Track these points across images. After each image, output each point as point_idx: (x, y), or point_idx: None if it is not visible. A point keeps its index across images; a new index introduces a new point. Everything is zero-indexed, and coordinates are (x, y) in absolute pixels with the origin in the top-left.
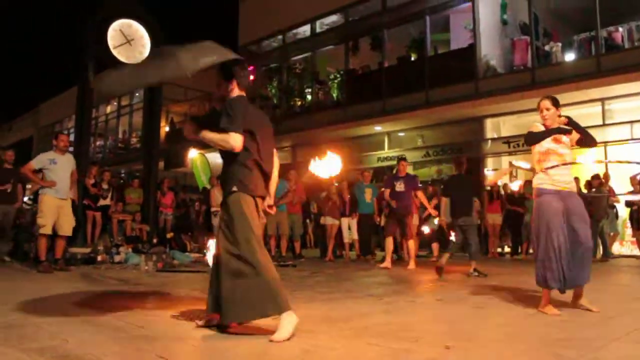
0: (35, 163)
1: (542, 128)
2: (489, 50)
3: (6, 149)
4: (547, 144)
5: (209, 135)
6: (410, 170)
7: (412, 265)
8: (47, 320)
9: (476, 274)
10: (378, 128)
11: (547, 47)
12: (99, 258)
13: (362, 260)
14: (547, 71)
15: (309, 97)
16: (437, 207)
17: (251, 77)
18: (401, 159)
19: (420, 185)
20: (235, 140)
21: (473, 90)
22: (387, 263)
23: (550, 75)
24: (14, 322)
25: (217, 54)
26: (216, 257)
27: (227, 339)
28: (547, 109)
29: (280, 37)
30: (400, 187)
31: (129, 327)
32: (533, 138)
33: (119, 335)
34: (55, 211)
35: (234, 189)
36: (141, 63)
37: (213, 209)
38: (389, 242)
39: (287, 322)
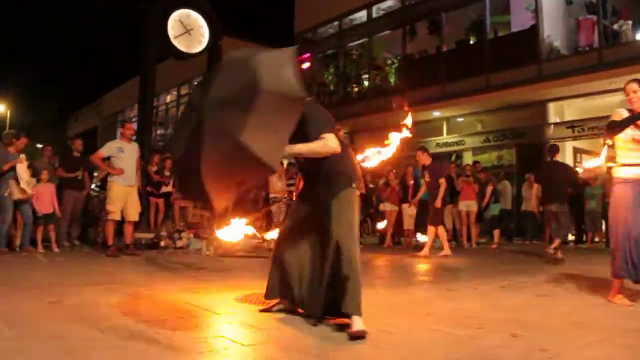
0: (104, 151)
1: (625, 114)
2: (553, 31)
3: (74, 138)
4: (631, 130)
5: (304, 148)
6: (469, 156)
7: (446, 251)
8: (118, 301)
9: (552, 252)
10: (436, 113)
11: (615, 26)
12: (162, 243)
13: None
14: (615, 51)
15: (366, 83)
16: (493, 193)
17: (308, 65)
18: (418, 148)
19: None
20: (334, 142)
21: (535, 73)
22: (447, 250)
23: (619, 56)
24: (88, 302)
25: (288, 62)
26: (313, 246)
27: (288, 323)
28: (635, 92)
29: (336, 23)
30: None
31: (195, 309)
32: (617, 127)
33: (186, 316)
34: (124, 198)
35: (354, 185)
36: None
37: (271, 196)
38: (441, 231)
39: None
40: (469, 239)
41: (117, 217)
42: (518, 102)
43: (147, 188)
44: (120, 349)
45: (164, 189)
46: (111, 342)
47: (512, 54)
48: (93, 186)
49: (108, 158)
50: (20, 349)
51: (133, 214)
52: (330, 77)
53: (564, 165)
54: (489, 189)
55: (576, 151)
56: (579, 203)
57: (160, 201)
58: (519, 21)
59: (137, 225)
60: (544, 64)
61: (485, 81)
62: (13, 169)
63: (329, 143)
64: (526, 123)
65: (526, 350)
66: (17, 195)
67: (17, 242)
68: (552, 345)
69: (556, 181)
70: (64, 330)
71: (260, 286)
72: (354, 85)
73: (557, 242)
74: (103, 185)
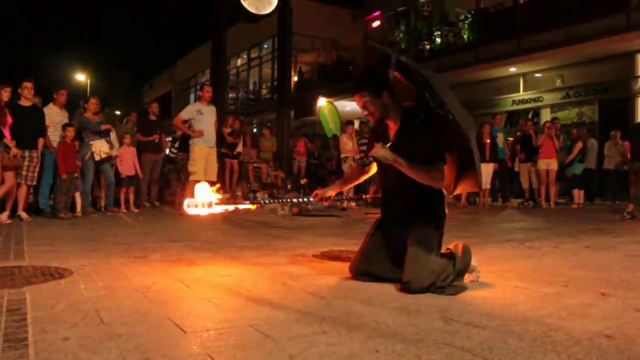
0: (185, 114)
1: None
2: None
3: (150, 103)
4: None
5: (410, 167)
6: (547, 113)
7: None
8: (199, 257)
9: (629, 216)
10: (513, 69)
11: None
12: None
13: (496, 207)
14: None
15: (438, 40)
16: (580, 152)
17: (378, 23)
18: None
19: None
20: (443, 177)
21: (623, 23)
22: None
23: None
24: (171, 258)
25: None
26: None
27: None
28: None
29: None
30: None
31: (273, 265)
32: None
33: (265, 271)
34: (205, 158)
35: (435, 222)
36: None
37: (343, 155)
38: None
39: None
40: (547, 198)
41: (201, 178)
42: (602, 54)
43: (222, 149)
44: (207, 300)
45: (238, 150)
46: (197, 293)
47: (597, 3)
48: (171, 149)
49: (188, 121)
50: (112, 297)
51: (212, 174)
52: (401, 36)
53: None
54: (578, 145)
55: None
56: None
57: (235, 162)
58: None
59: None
60: (634, 12)
61: (565, 33)
62: (95, 130)
63: (439, 177)
64: (611, 77)
65: (619, 309)
66: (98, 155)
67: (102, 202)
68: None
69: None
70: (151, 283)
71: (333, 243)
72: (426, 43)
73: (630, 207)
74: (181, 147)
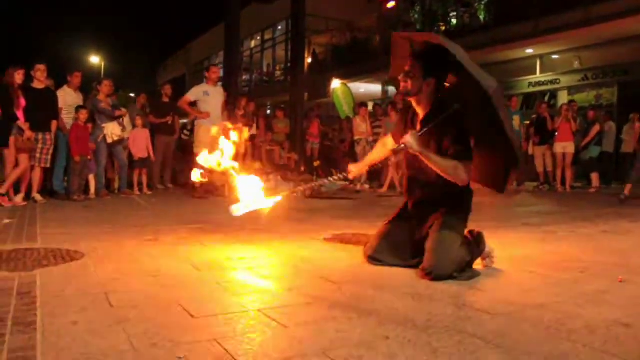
0: (191, 95)
1: None
2: None
3: (163, 85)
4: None
5: (436, 160)
6: (564, 95)
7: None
8: (209, 239)
9: (623, 197)
10: (529, 51)
11: None
12: None
13: (511, 190)
14: None
15: (453, 21)
16: (598, 134)
17: (393, 3)
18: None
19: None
20: (469, 174)
21: None
22: None
23: None
24: (182, 241)
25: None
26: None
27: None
28: None
29: None
30: None
31: (285, 249)
32: None
33: (276, 255)
34: (211, 141)
35: (460, 213)
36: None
37: (356, 137)
38: None
39: None
40: (563, 182)
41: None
42: (621, 35)
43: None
44: (217, 284)
45: (251, 132)
46: (207, 277)
47: None
48: (185, 131)
49: (195, 103)
50: (122, 281)
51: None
52: (416, 16)
53: None
54: (595, 128)
55: None
56: None
57: (248, 144)
58: None
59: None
60: None
61: (584, 14)
62: (108, 116)
63: (462, 174)
64: (631, 58)
65: (637, 296)
66: (111, 138)
67: (115, 185)
68: None
69: None
70: (162, 266)
71: (346, 226)
72: (441, 24)
73: (628, 188)
74: (192, 130)
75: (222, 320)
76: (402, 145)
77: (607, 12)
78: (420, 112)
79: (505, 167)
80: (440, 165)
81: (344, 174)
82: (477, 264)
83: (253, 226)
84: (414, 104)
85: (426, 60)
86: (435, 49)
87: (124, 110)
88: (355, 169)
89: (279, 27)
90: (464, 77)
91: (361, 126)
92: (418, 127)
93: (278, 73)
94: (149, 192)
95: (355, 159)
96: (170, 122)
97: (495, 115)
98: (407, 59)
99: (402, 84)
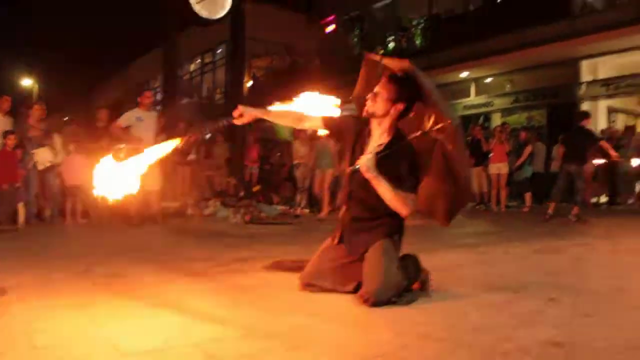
0: (123, 121)
1: None
2: None
3: (100, 109)
4: None
5: (386, 188)
6: (498, 118)
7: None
8: (145, 270)
9: (575, 219)
10: (464, 74)
11: None
12: (189, 211)
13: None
14: None
15: (391, 45)
16: (530, 155)
17: (332, 27)
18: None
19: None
20: (414, 207)
21: (568, 30)
22: None
23: None
24: (116, 272)
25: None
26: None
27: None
28: None
29: None
30: None
31: (223, 277)
32: None
33: (213, 284)
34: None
35: (396, 237)
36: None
37: (295, 162)
38: None
39: None
40: (497, 202)
41: (138, 187)
42: (549, 60)
43: (174, 157)
44: (149, 317)
45: (190, 157)
46: (139, 310)
47: (543, 10)
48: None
49: (127, 127)
50: (48, 318)
51: (153, 183)
52: (355, 40)
53: (588, 133)
54: (527, 149)
55: (610, 110)
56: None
57: (187, 169)
58: None
59: (164, 195)
60: (578, 20)
61: (514, 39)
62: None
63: (410, 205)
64: (558, 82)
65: (568, 315)
66: (42, 164)
67: (47, 213)
68: (595, 310)
69: (579, 145)
70: (92, 300)
71: (285, 252)
72: (379, 48)
73: (576, 209)
74: None
75: (153, 357)
76: (357, 167)
77: (535, 37)
78: (377, 136)
79: (452, 205)
80: (390, 194)
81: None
82: (414, 288)
83: (190, 254)
84: (373, 125)
85: (400, 85)
86: (409, 76)
87: (56, 136)
88: (246, 112)
89: (219, 50)
90: (429, 108)
91: (300, 150)
92: (368, 148)
93: (218, 96)
94: (84, 221)
95: (294, 183)
96: (105, 147)
97: (453, 151)
98: (374, 80)
99: (370, 104)
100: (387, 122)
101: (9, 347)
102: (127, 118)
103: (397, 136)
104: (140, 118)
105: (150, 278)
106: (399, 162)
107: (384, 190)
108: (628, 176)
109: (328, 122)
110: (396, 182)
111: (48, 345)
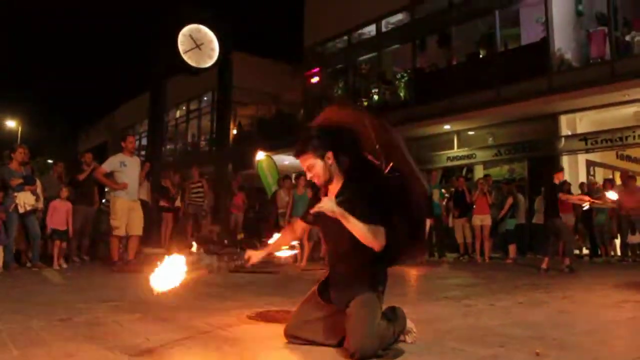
0: (107, 166)
1: None
2: (563, 44)
3: (84, 153)
4: None
5: (355, 223)
6: (480, 170)
7: None
8: (127, 319)
9: (568, 270)
10: (447, 127)
11: (627, 38)
12: None
13: (433, 262)
14: (627, 63)
15: (375, 97)
16: (512, 207)
17: (317, 79)
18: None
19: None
20: (383, 239)
21: (546, 86)
22: None
23: (631, 68)
24: (98, 320)
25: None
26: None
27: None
28: None
29: (345, 37)
30: None
31: (207, 327)
32: None
33: (197, 335)
34: (127, 212)
35: (380, 288)
36: None
37: (280, 210)
38: None
39: None
40: (481, 253)
41: (122, 233)
42: (529, 115)
43: (160, 203)
44: None
45: (177, 204)
46: None
47: (522, 67)
48: (103, 201)
49: (111, 173)
50: None
51: (137, 228)
52: (339, 92)
53: (554, 187)
54: (508, 201)
55: (589, 164)
56: (589, 216)
57: (169, 215)
58: (529, 34)
59: (147, 240)
60: (555, 77)
61: (495, 94)
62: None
63: (380, 237)
64: (538, 136)
65: None
66: (23, 208)
67: (27, 258)
68: None
69: (551, 199)
70: (73, 350)
71: (269, 303)
72: (364, 100)
73: (568, 260)
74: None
75: None
76: (309, 217)
77: (514, 93)
78: (333, 188)
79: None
80: (360, 228)
81: (243, 260)
82: (399, 341)
83: (174, 303)
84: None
85: (312, 141)
86: (313, 128)
87: (37, 183)
88: (254, 256)
89: (205, 98)
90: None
91: (285, 199)
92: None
93: (203, 143)
94: (65, 265)
95: (280, 231)
96: (89, 193)
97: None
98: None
99: (315, 180)
100: (334, 174)
101: None
102: (112, 163)
103: (348, 179)
104: (124, 163)
105: (132, 328)
106: (357, 204)
107: (353, 225)
108: (602, 228)
109: (304, 217)
110: (362, 220)
111: None
